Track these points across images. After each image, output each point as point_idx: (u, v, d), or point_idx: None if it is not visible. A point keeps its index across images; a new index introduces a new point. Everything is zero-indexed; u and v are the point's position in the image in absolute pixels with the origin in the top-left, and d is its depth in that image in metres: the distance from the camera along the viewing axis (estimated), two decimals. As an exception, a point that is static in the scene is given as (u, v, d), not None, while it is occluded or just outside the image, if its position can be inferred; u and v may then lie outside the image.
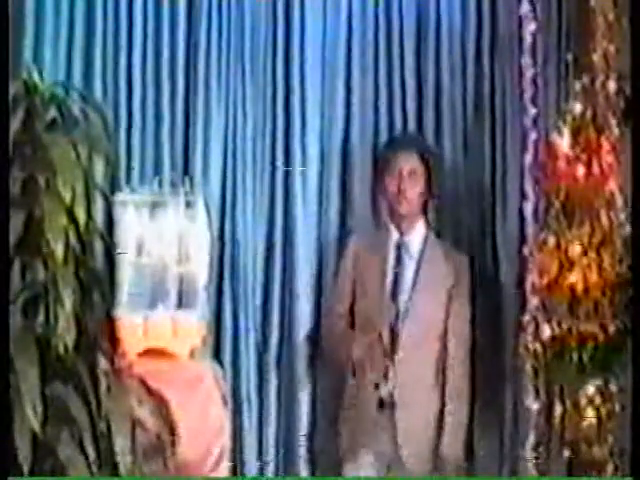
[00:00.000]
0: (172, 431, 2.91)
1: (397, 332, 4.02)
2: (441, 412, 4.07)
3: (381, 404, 4.00)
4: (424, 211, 4.21)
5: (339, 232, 4.38)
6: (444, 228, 4.37)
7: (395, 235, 4.14)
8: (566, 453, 3.91)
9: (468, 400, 4.13)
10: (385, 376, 3.99)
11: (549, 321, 3.92)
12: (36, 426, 2.20)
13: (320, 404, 4.29)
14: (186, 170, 4.27)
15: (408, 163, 4.11)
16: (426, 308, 4.08)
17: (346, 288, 4.15)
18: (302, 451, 4.26)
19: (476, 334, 4.30)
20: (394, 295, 4.06)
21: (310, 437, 4.27)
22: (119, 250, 3.54)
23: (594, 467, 3.84)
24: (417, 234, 4.16)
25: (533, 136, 4.20)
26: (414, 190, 4.12)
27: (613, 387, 3.85)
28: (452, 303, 4.12)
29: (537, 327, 3.96)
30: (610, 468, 3.82)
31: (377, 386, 3.99)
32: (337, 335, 4.15)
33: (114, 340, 2.39)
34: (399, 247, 4.12)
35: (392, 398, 3.98)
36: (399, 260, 4.10)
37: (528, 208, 4.20)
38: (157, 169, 4.26)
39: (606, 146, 3.89)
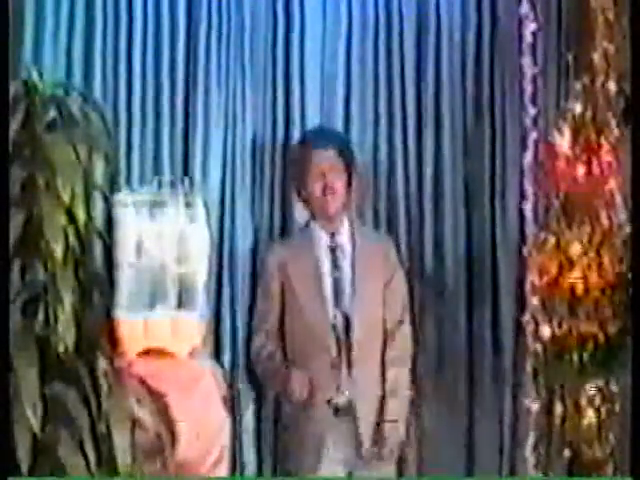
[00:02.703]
0: (172, 431, 2.91)
1: (348, 342, 3.82)
2: (382, 404, 3.89)
3: (336, 411, 3.82)
4: (347, 207, 4.01)
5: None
6: (444, 227, 4.37)
7: (325, 237, 3.91)
8: (566, 453, 3.91)
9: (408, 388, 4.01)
10: (338, 388, 3.80)
11: (549, 321, 3.92)
12: (36, 426, 2.20)
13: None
14: (186, 170, 4.27)
15: (328, 160, 3.90)
16: (369, 307, 3.89)
17: (274, 305, 3.90)
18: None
19: (476, 335, 4.32)
20: (337, 302, 3.85)
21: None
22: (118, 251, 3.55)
23: (594, 467, 3.84)
24: (345, 232, 3.95)
25: (533, 136, 4.21)
26: (339, 187, 3.90)
27: (613, 387, 3.85)
28: (387, 291, 3.94)
29: (537, 327, 3.97)
30: (610, 468, 3.82)
31: (329, 401, 3.80)
32: (268, 360, 3.89)
33: (114, 340, 2.40)
34: (333, 250, 3.90)
35: (350, 405, 3.80)
36: (335, 263, 3.88)
37: (528, 208, 4.21)
38: (157, 169, 4.26)
39: (606, 146, 3.90)
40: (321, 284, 3.87)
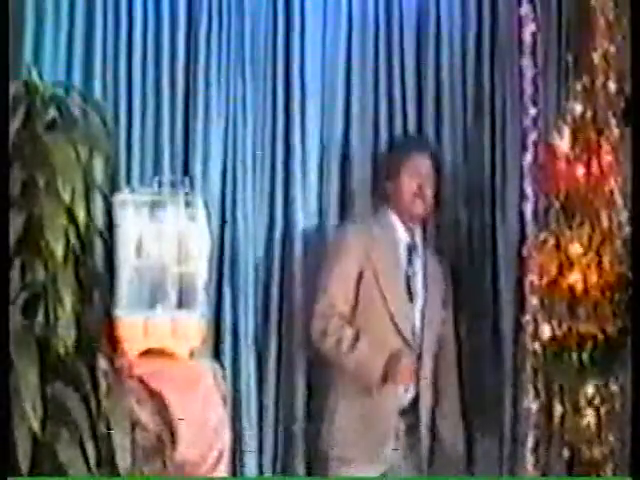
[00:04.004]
0: (172, 431, 2.91)
1: (421, 337, 3.96)
2: (433, 412, 4.04)
3: (403, 411, 3.94)
4: (428, 213, 4.19)
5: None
6: (443, 228, 4.37)
7: (405, 235, 4.08)
8: (566, 453, 3.91)
9: (460, 399, 4.13)
10: (416, 383, 3.92)
11: (549, 321, 3.92)
12: (36, 426, 2.20)
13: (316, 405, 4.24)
14: (186, 170, 4.27)
15: (425, 165, 4.09)
16: (435, 311, 4.05)
17: (349, 287, 3.98)
18: (300, 451, 4.26)
19: (475, 334, 4.32)
20: (411, 298, 3.99)
21: (308, 437, 4.26)
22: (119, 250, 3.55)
23: (594, 467, 3.84)
24: (419, 236, 4.13)
25: (533, 136, 4.20)
26: (428, 192, 4.09)
27: (613, 387, 3.85)
28: (445, 307, 4.12)
29: (537, 327, 3.96)
30: (609, 468, 3.82)
31: (406, 391, 3.91)
32: (337, 335, 3.93)
33: (114, 340, 2.40)
34: (409, 248, 4.05)
35: (417, 405, 3.93)
36: (411, 262, 4.03)
37: (528, 208, 4.20)
38: (157, 169, 4.25)
39: (606, 146, 3.89)
40: (401, 278, 3.98)
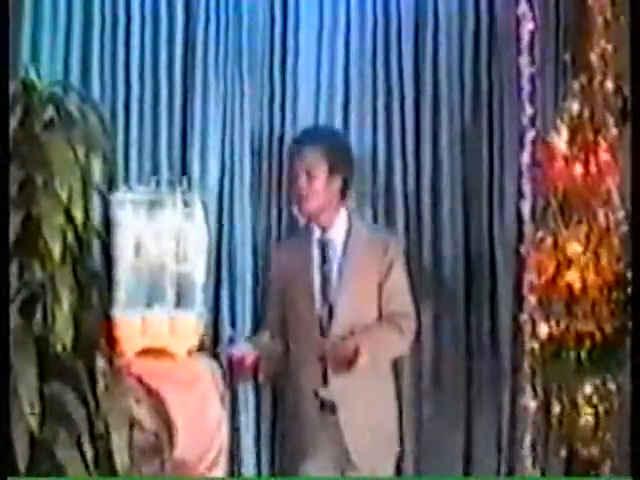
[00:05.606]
0: (170, 430, 2.91)
1: (329, 332, 3.76)
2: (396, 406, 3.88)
3: (322, 406, 3.74)
4: (342, 203, 3.88)
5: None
6: (442, 226, 4.37)
7: (317, 233, 3.85)
8: (563, 452, 3.91)
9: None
10: (324, 380, 3.72)
11: (547, 320, 3.92)
12: (34, 425, 2.20)
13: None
14: (184, 169, 4.28)
15: (304, 160, 3.81)
16: (357, 301, 3.80)
17: (276, 301, 3.91)
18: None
19: (474, 333, 4.32)
20: (325, 295, 3.80)
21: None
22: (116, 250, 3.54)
23: (591, 466, 3.84)
24: (339, 228, 3.86)
25: (531, 135, 4.21)
26: (316, 186, 3.80)
27: (611, 386, 3.85)
28: (385, 286, 3.84)
29: (535, 326, 3.97)
30: (607, 467, 3.83)
31: (316, 392, 3.73)
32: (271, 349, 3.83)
33: (112, 339, 2.40)
34: (322, 244, 3.84)
35: (333, 400, 3.71)
36: (325, 257, 3.84)
37: (526, 207, 4.21)
38: (155, 168, 4.26)
39: (603, 145, 3.90)
40: (310, 277, 3.83)
